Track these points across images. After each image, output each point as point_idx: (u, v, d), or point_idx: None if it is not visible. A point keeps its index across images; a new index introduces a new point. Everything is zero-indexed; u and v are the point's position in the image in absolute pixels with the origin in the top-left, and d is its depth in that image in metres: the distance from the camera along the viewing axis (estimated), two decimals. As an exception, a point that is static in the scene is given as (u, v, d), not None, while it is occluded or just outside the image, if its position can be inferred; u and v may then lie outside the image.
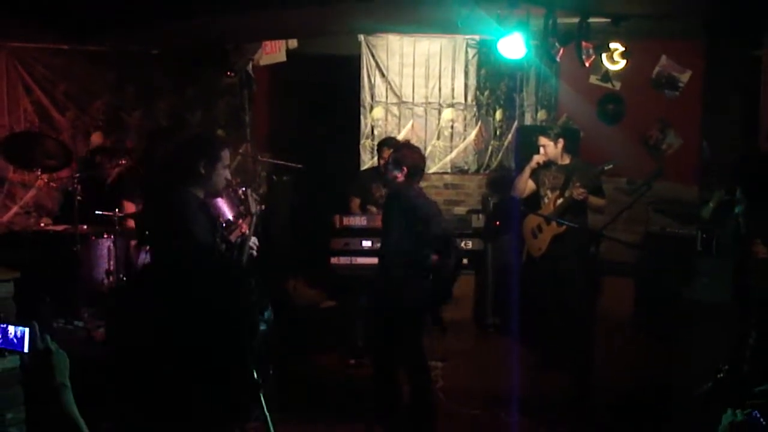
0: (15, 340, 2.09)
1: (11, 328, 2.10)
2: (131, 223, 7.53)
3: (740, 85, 5.62)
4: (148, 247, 6.40)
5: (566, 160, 7.26)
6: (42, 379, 2.04)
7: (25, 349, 2.07)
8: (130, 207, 7.54)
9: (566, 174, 7.14)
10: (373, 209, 7.75)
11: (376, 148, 8.43)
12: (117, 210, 7.27)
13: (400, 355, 5.92)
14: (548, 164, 7.27)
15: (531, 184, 7.39)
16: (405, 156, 5.78)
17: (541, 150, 7.24)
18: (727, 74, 5.63)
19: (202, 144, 4.92)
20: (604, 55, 7.14)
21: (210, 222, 4.82)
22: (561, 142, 7.20)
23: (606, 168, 7.03)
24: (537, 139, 7.35)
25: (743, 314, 4.48)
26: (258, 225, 5.41)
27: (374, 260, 6.41)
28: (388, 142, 7.72)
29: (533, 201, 7.37)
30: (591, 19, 6.32)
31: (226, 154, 4.90)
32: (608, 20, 6.47)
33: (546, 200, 7.28)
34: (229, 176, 4.98)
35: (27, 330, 2.07)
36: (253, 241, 5.24)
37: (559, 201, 7.10)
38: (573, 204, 7.00)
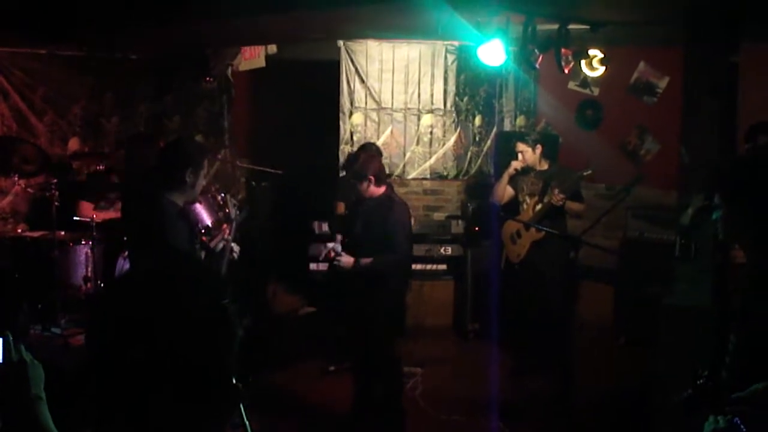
0: None
1: None
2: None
3: (718, 90, 5.65)
4: (126, 253, 6.37)
5: (545, 166, 7.28)
6: (17, 392, 2.00)
7: None
8: (86, 207, 7.51)
9: (545, 180, 7.17)
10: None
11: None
12: (57, 194, 7.23)
13: (374, 360, 5.95)
14: (527, 170, 7.29)
15: (510, 191, 7.41)
16: (365, 164, 5.84)
17: (519, 156, 7.27)
18: (705, 80, 5.65)
19: (188, 152, 4.88)
20: (583, 62, 7.16)
21: (189, 230, 4.80)
22: (539, 147, 7.23)
23: (584, 174, 7.06)
24: (515, 145, 7.37)
25: (722, 319, 4.51)
26: (237, 231, 5.39)
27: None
28: (367, 148, 7.73)
29: (512, 207, 7.38)
30: (570, 26, 6.34)
31: (205, 161, 4.90)
32: (587, 27, 6.49)
33: (525, 206, 7.29)
34: (204, 182, 4.97)
35: (1, 340, 2.03)
36: (234, 246, 5.23)
37: (538, 207, 7.12)
38: (552, 210, 7.02)
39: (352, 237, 5.94)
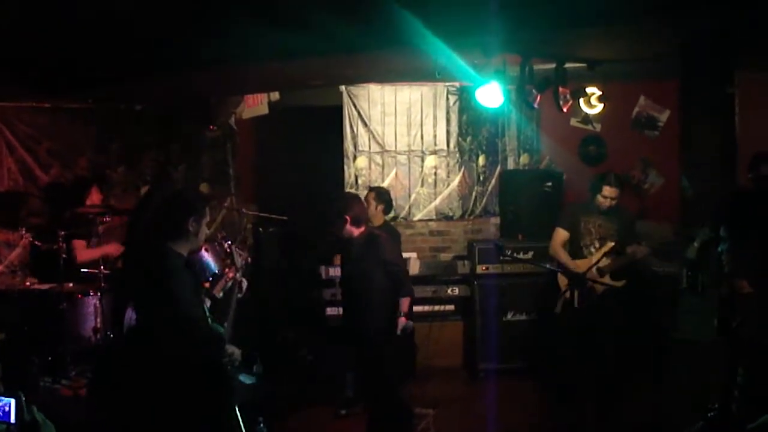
0: (1, 413, 2.07)
1: None
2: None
3: (715, 121, 5.70)
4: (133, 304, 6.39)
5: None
6: None
7: (12, 420, 2.05)
8: (79, 245, 7.60)
9: (617, 224, 6.97)
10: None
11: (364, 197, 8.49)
12: (64, 246, 7.29)
13: (381, 401, 5.95)
14: (592, 211, 7.05)
15: (564, 234, 7.16)
16: (347, 206, 6.05)
17: (601, 200, 6.94)
18: (701, 112, 5.70)
19: (188, 201, 4.90)
20: (581, 100, 7.19)
21: (194, 281, 4.80)
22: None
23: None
24: (602, 188, 6.90)
25: (729, 351, 4.49)
26: (243, 275, 5.40)
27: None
28: (373, 191, 7.78)
29: (575, 248, 7.14)
30: (567, 65, 6.40)
31: (207, 208, 4.92)
32: (584, 65, 6.55)
33: (593, 249, 7.02)
34: (208, 231, 4.99)
35: (13, 401, 2.05)
36: (243, 281, 5.23)
37: (613, 253, 6.91)
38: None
39: (351, 278, 6.12)
